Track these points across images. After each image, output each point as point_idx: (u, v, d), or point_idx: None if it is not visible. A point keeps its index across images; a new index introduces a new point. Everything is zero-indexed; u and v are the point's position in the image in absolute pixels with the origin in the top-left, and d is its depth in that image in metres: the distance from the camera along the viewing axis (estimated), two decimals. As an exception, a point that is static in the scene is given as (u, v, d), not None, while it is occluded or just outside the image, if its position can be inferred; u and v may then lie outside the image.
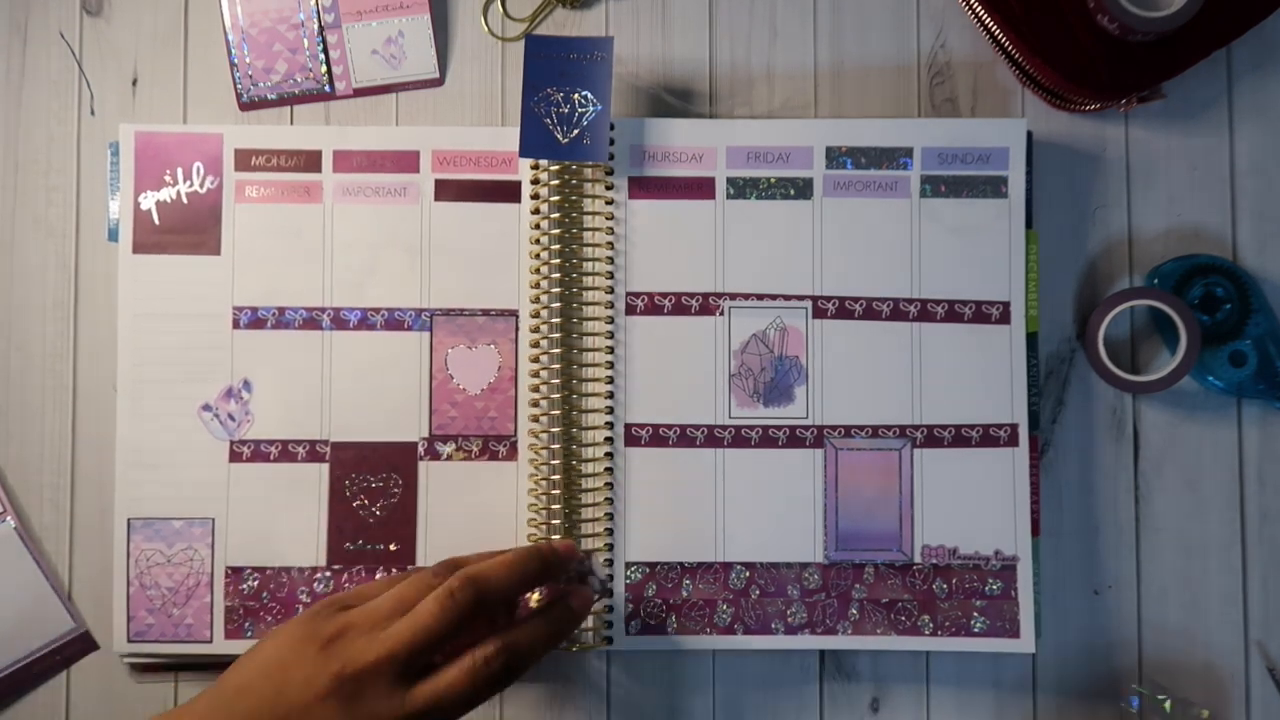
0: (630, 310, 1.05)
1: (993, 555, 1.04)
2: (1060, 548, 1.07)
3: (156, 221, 1.05)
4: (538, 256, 1.04)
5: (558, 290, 1.04)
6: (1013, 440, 1.05)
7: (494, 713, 1.06)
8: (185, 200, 1.05)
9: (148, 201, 1.05)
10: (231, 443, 1.05)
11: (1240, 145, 1.09)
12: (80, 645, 1.06)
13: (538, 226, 1.05)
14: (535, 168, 1.05)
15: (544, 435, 1.04)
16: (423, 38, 1.09)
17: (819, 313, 1.06)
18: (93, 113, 1.09)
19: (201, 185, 1.05)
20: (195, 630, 1.04)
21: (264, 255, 1.06)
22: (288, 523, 1.04)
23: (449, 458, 1.05)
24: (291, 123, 1.09)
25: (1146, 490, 1.08)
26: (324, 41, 1.09)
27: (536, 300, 1.04)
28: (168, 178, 1.05)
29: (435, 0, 1.10)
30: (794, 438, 1.05)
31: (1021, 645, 1.03)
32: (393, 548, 1.04)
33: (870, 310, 1.06)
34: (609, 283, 1.05)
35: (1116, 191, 1.09)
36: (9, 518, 1.06)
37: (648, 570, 1.04)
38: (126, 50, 1.10)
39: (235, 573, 1.04)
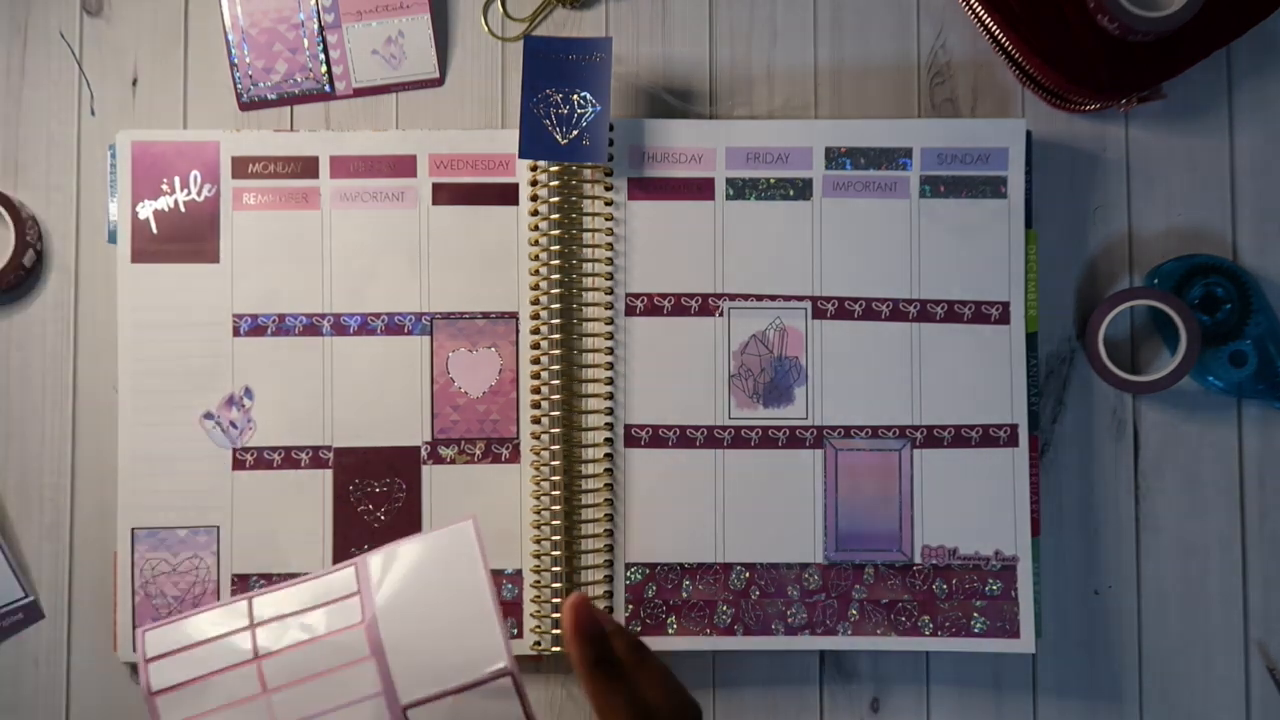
0: (630, 311, 1.05)
1: (992, 555, 1.04)
2: (1060, 548, 1.07)
3: (155, 231, 1.05)
4: (537, 258, 1.04)
5: (557, 292, 1.04)
6: (1013, 440, 1.05)
7: (495, 713, 1.07)
8: (183, 209, 1.05)
9: (145, 211, 1.05)
10: (234, 450, 1.05)
11: (1240, 145, 1.09)
12: (26, 614, 1.06)
13: (537, 228, 1.05)
14: (534, 169, 1.05)
15: (545, 437, 1.04)
16: (423, 38, 1.09)
17: (818, 313, 1.06)
18: (93, 113, 1.09)
19: (199, 193, 1.05)
20: (202, 639, 1.04)
21: (263, 262, 1.06)
22: (293, 529, 1.05)
23: (452, 461, 1.05)
24: (291, 123, 1.09)
25: (1146, 490, 1.08)
26: (324, 41, 1.09)
27: (536, 302, 1.04)
28: (165, 187, 1.05)
29: (435, 0, 1.10)
30: (794, 438, 1.05)
31: (1021, 645, 1.04)
32: (394, 552, 1.05)
33: (870, 310, 1.06)
34: (608, 284, 1.05)
35: (1116, 191, 1.09)
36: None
37: (648, 571, 1.04)
38: (126, 50, 1.10)
39: (241, 580, 1.04)
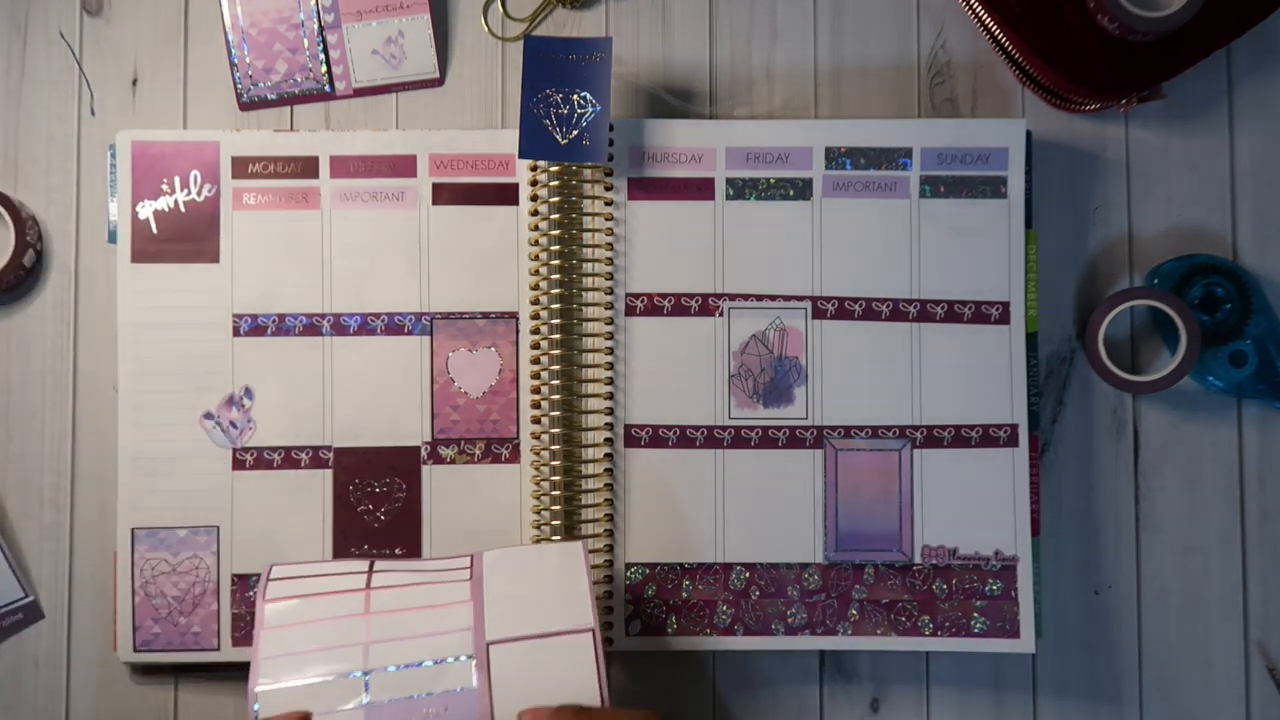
0: (630, 311, 1.05)
1: (992, 555, 1.04)
2: (1060, 548, 1.07)
3: (155, 231, 1.05)
4: (537, 258, 1.04)
5: (557, 292, 1.04)
6: (1013, 440, 1.05)
7: (495, 713, 1.07)
8: (183, 209, 1.05)
9: (145, 211, 1.05)
10: (234, 450, 1.05)
11: (1240, 145, 1.09)
12: (26, 614, 1.06)
13: (537, 228, 1.05)
14: (534, 169, 1.05)
15: (545, 437, 1.04)
16: (423, 38, 1.09)
17: (818, 313, 1.06)
18: (93, 113, 1.09)
19: (199, 193, 1.05)
20: (203, 639, 1.04)
21: (263, 262, 1.06)
22: (293, 529, 1.05)
23: (452, 461, 1.05)
24: (292, 123, 1.09)
25: (1146, 490, 1.08)
26: (324, 41, 1.09)
27: (536, 302, 1.04)
28: (165, 186, 1.05)
29: (435, 0, 1.10)
30: (794, 438, 1.05)
31: (1021, 645, 1.04)
32: (398, 552, 1.05)
33: (870, 310, 1.06)
34: (609, 284, 1.05)
35: (1116, 191, 1.09)
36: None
37: (648, 571, 1.04)
38: (126, 50, 1.10)
39: (241, 580, 1.04)
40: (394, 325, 1.05)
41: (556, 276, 1.04)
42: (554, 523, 1.03)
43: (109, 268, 1.07)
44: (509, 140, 1.05)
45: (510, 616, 0.92)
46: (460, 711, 0.88)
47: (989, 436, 1.05)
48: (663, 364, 1.05)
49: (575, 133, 1.03)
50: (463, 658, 0.90)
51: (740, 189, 1.06)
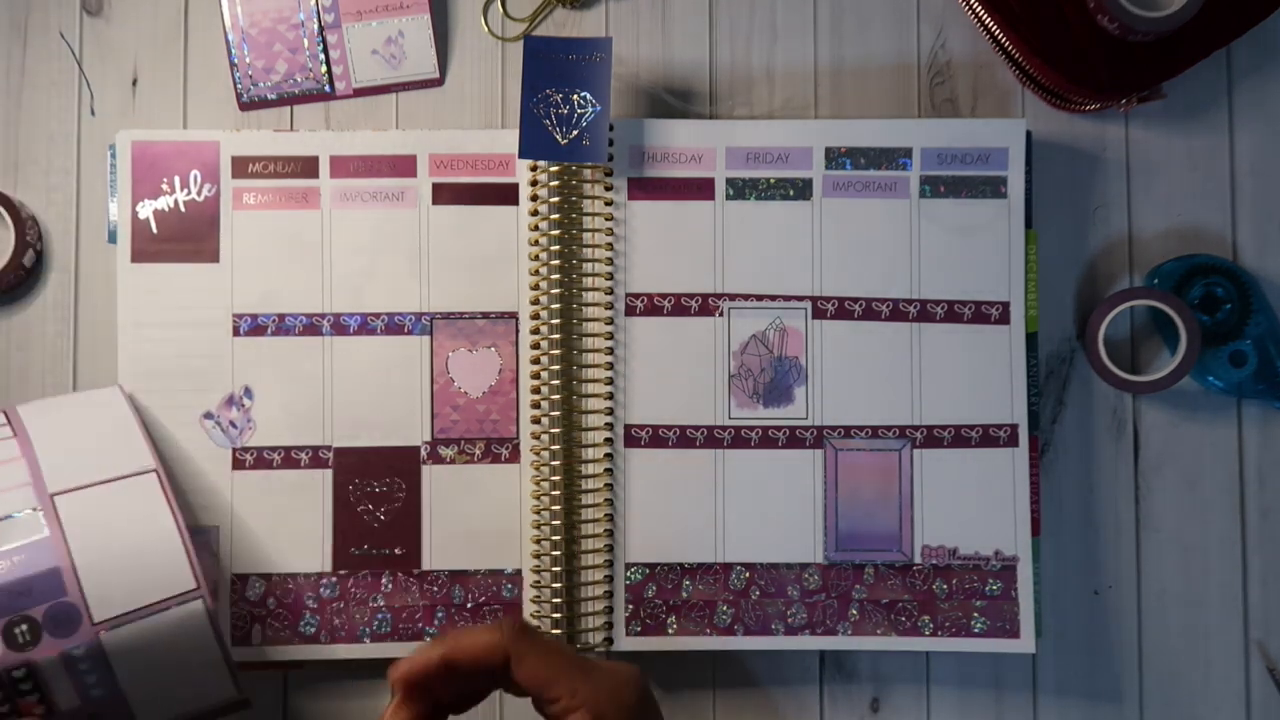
0: (630, 311, 1.05)
1: (992, 555, 1.04)
2: (1060, 548, 1.07)
3: (155, 230, 1.05)
4: (537, 258, 1.04)
5: (557, 292, 1.04)
6: (1012, 440, 1.05)
7: (494, 712, 1.07)
8: (183, 209, 1.05)
9: (145, 210, 1.05)
10: (234, 450, 1.05)
11: (1240, 145, 1.09)
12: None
13: (537, 228, 1.05)
14: (534, 169, 1.05)
15: (545, 437, 1.04)
16: (423, 38, 1.09)
17: (818, 313, 1.06)
18: (93, 113, 1.09)
19: (199, 193, 1.05)
20: (201, 638, 1.04)
21: (263, 262, 1.06)
22: (292, 529, 1.05)
23: (451, 461, 1.05)
24: (291, 123, 1.09)
25: (1146, 490, 1.08)
26: (324, 41, 1.09)
27: (536, 302, 1.04)
28: (165, 186, 1.05)
29: (435, 0, 1.10)
30: (794, 438, 1.05)
31: (1021, 645, 1.04)
32: (398, 551, 1.04)
33: (870, 310, 1.06)
34: (609, 284, 1.05)
35: (1116, 191, 1.09)
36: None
37: (648, 571, 1.04)
38: (126, 50, 1.10)
39: (240, 580, 1.04)
40: (394, 325, 1.05)
41: (556, 276, 1.04)
42: (554, 522, 1.03)
43: (109, 268, 1.07)
44: (509, 140, 1.05)
45: (68, 467, 0.94)
46: (36, 559, 0.89)
47: (989, 436, 1.05)
48: (663, 364, 1.05)
49: (575, 133, 1.03)
50: (27, 511, 0.91)
51: (740, 189, 1.06)
